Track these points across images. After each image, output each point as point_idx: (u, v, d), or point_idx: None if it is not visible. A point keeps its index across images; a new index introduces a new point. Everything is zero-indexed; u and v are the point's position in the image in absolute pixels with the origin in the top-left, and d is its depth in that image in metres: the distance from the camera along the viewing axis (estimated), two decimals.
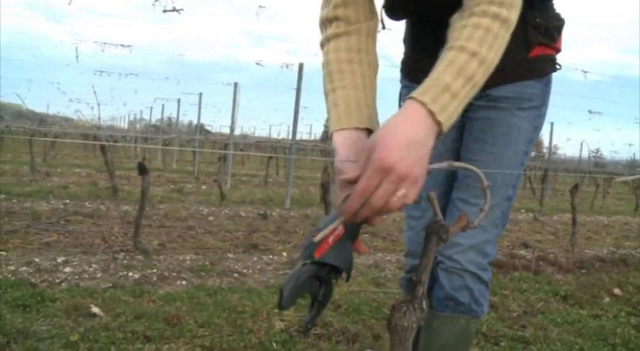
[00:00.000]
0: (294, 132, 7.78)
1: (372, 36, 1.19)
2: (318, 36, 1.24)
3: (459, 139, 1.42)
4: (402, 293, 1.64)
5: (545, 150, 14.76)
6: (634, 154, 26.92)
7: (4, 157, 10.76)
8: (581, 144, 23.59)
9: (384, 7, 1.31)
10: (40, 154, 11.00)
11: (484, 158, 1.33)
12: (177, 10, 6.02)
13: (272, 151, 12.70)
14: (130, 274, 3.23)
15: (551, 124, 13.06)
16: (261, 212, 6.02)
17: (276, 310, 2.66)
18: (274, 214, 6.16)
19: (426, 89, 0.88)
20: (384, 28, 1.32)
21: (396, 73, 1.53)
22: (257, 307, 2.69)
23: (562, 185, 16.19)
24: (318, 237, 0.84)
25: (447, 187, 1.44)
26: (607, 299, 3.47)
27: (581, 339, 2.66)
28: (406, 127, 0.85)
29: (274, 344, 2.30)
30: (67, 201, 5.79)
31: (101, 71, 13.76)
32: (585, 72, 12.16)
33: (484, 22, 0.94)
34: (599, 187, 12.09)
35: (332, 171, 4.22)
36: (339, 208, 0.88)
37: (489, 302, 1.67)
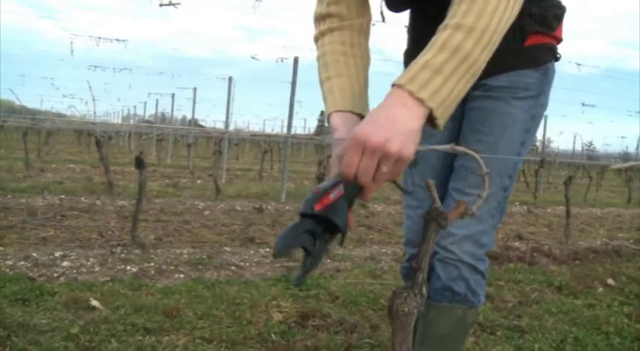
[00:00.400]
0: (290, 125, 7.78)
1: (363, 32, 1.26)
2: (312, 31, 1.31)
3: (458, 130, 1.41)
4: (400, 283, 1.66)
5: (538, 143, 14.79)
6: (627, 147, 27.08)
7: None
8: (575, 137, 23.70)
9: None
10: (33, 150, 10.95)
11: (480, 148, 1.33)
12: (173, 4, 6.00)
13: (266, 145, 12.68)
14: (128, 267, 3.25)
15: (545, 117, 13.12)
16: (257, 206, 6.04)
17: (274, 302, 2.68)
18: (270, 207, 6.18)
19: (403, 73, 0.92)
20: (383, 20, 1.34)
21: (390, 67, 1.55)
22: (255, 299, 2.71)
23: (556, 178, 16.26)
24: (322, 185, 0.88)
25: (444, 177, 1.44)
26: (600, 289, 3.51)
27: (575, 328, 2.70)
28: (386, 107, 0.89)
29: (273, 335, 2.32)
30: (63, 196, 5.78)
31: (95, 66, 13.69)
32: (579, 65, 12.19)
33: None
34: (592, 180, 12.16)
35: (327, 164, 4.24)
36: (336, 177, 0.92)
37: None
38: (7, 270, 3.00)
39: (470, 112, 1.38)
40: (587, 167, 14.15)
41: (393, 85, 0.91)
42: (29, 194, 5.74)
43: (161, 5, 6.04)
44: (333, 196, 0.87)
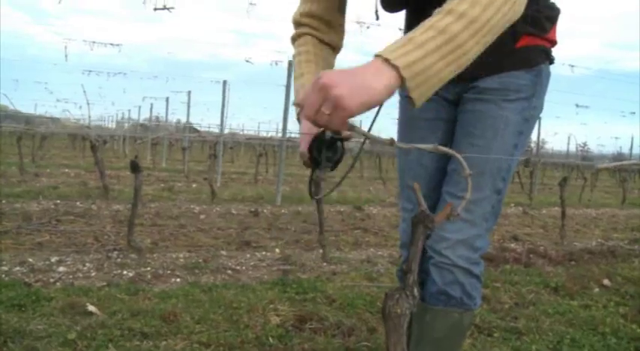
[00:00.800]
0: (285, 129, 7.79)
1: (333, 47, 1.47)
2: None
3: (451, 132, 1.41)
4: (397, 286, 1.66)
5: (532, 144, 14.84)
6: (620, 148, 27.21)
7: None
8: (569, 138, 23.72)
9: None
10: (28, 155, 10.91)
11: (472, 151, 1.32)
12: (167, 9, 6.00)
13: (262, 148, 12.67)
14: (125, 272, 3.24)
15: (539, 118, 13.14)
16: (253, 209, 6.03)
17: (271, 306, 2.68)
18: (265, 211, 6.18)
19: (386, 46, 0.94)
20: (377, 19, 1.35)
21: None
22: (252, 302, 2.71)
23: (550, 179, 16.32)
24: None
25: (437, 180, 1.45)
26: (596, 290, 3.52)
27: (571, 329, 2.71)
28: (359, 67, 0.92)
29: (270, 339, 2.32)
30: (58, 201, 5.76)
31: (89, 70, 13.66)
32: (572, 66, 12.24)
33: None
34: (587, 181, 12.21)
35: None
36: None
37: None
38: (3, 276, 2.98)
39: (462, 115, 1.38)
40: (582, 168, 14.21)
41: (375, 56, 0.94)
42: (24, 199, 5.72)
43: (155, 9, 6.05)
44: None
